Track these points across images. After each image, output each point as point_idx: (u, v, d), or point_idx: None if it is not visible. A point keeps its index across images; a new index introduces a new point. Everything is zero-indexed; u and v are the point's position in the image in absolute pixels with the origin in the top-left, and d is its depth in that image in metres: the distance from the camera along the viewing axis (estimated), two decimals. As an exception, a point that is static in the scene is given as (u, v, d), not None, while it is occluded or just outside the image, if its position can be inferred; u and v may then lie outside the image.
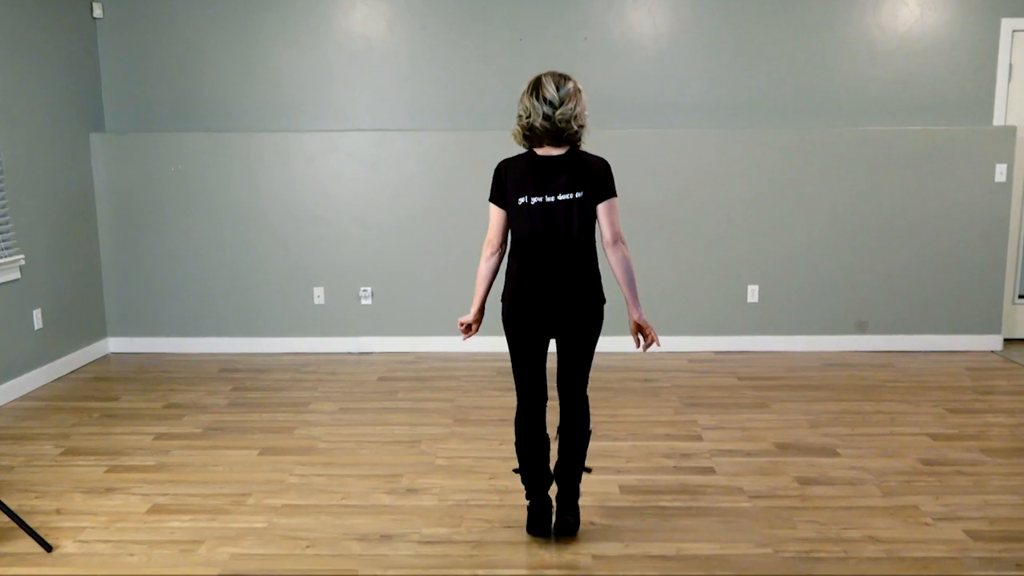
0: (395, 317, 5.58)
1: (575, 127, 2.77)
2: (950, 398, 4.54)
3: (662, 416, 4.26)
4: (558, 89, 2.74)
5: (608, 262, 2.83)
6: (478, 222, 5.53)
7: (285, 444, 3.92)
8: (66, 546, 2.92)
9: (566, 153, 2.81)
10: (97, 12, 5.39)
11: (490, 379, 4.93)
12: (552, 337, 2.89)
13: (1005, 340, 5.63)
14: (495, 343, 5.56)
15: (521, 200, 2.79)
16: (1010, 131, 5.31)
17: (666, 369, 5.11)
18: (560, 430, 2.96)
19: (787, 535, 2.97)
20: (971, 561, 2.79)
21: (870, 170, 5.36)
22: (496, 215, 2.87)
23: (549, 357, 2.92)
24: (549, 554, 2.85)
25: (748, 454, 3.73)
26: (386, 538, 2.98)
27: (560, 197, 2.77)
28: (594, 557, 2.83)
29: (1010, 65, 5.39)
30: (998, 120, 5.43)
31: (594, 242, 2.85)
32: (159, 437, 4.02)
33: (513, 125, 2.84)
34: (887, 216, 5.40)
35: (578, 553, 2.85)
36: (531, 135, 2.79)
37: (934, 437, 3.94)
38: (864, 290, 5.48)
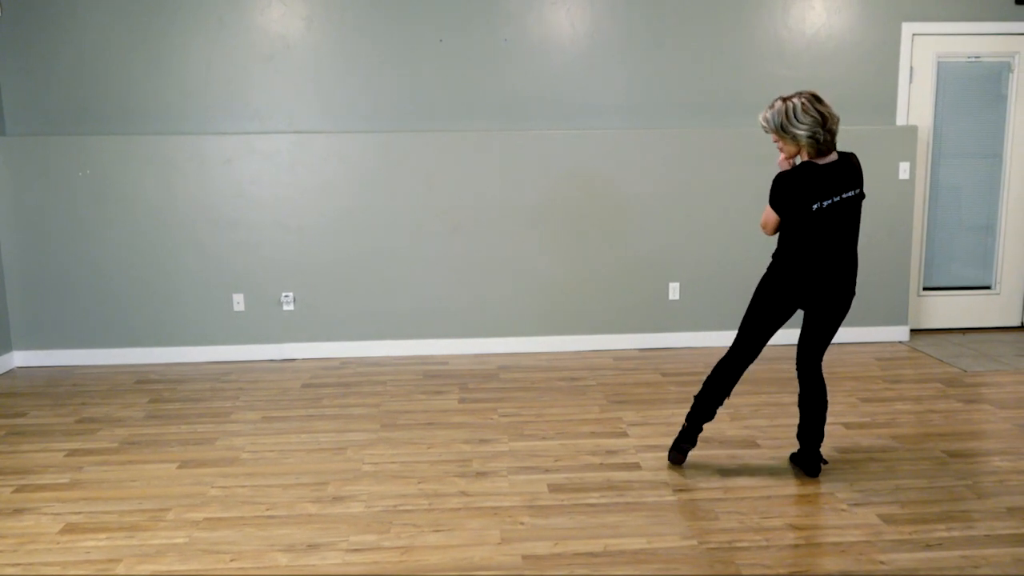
0: (318, 322, 5.49)
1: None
2: (862, 388, 4.72)
3: (588, 414, 4.30)
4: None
5: None
6: (399, 224, 5.53)
7: (206, 456, 3.81)
8: (-29, 572, 2.78)
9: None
10: (-5, 10, 5.15)
11: (417, 383, 4.90)
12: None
13: (911, 330, 5.89)
14: (421, 346, 5.58)
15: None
16: (912, 130, 5.56)
17: (592, 367, 5.17)
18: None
19: (711, 526, 3.05)
20: (884, 544, 2.91)
21: (783, 169, 5.52)
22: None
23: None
24: (479, 556, 2.85)
25: (672, 449, 3.80)
26: (313, 547, 2.93)
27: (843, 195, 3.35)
28: (523, 557, 2.84)
29: (911, 67, 5.63)
30: (900, 120, 5.68)
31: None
32: (71, 453, 3.86)
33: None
34: (800, 213, 5.57)
35: (508, 554, 2.86)
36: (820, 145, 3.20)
37: (848, 426, 4.09)
38: (780, 285, 5.64)
